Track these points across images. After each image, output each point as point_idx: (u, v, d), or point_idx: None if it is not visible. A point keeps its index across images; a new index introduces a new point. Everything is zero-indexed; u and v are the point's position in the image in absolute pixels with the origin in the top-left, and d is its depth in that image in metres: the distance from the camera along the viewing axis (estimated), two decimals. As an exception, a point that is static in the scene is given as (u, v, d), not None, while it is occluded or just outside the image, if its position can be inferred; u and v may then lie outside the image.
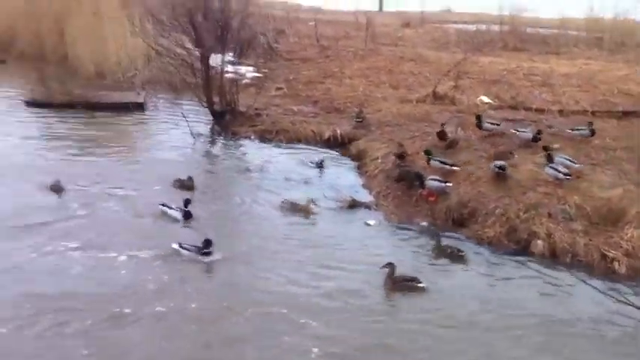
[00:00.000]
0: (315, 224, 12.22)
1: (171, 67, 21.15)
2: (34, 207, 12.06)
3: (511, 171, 13.19)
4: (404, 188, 13.67)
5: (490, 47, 30.71)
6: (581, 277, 10.09)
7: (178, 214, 11.82)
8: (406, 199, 13.43)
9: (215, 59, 20.05)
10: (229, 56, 20.46)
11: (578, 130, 15.53)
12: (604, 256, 10.96)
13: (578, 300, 9.85)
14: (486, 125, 15.94)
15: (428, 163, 14.02)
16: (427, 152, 14.20)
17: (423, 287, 9.91)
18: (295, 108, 20.38)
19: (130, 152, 16.43)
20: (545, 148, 13.73)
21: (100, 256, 10.37)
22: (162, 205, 12.06)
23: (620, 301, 8.34)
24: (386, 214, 12.91)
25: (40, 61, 22.93)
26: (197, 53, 19.61)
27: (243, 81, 22.98)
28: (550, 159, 13.12)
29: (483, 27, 35.89)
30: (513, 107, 19.66)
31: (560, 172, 12.53)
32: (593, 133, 15.24)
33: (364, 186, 14.66)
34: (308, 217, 12.42)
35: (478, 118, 16.29)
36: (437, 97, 20.43)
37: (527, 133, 15.09)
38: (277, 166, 15.62)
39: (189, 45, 20.04)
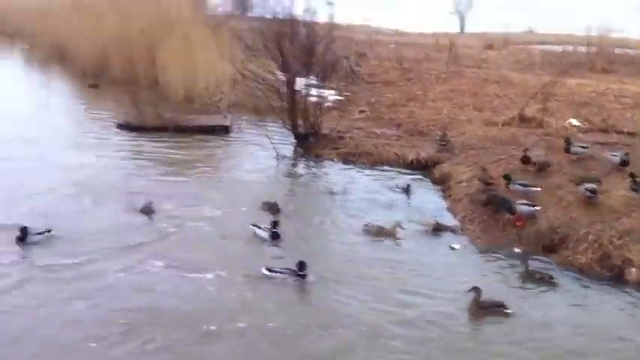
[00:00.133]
0: (399, 247, 12.15)
1: (257, 90, 21.63)
2: (125, 227, 12.48)
3: (603, 196, 12.76)
4: (490, 212, 13.42)
5: (577, 69, 29.94)
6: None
7: (266, 235, 12.02)
8: (492, 223, 13.18)
9: (299, 83, 20.40)
10: (313, 80, 20.76)
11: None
12: None
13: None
14: (575, 149, 15.53)
15: (507, 188, 13.82)
16: (506, 177, 14.08)
17: (510, 313, 9.67)
18: (378, 131, 20.43)
19: (217, 174, 16.85)
20: (632, 175, 13.26)
21: (188, 275, 10.62)
22: (254, 225, 12.27)
23: None
24: (472, 239, 12.71)
25: (132, 85, 23.88)
26: (283, 77, 20.02)
27: (326, 104, 23.21)
28: (636, 184, 12.69)
29: (569, 48, 35.04)
30: (604, 130, 19.10)
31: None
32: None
33: (449, 209, 14.50)
34: (393, 240, 12.36)
35: (567, 141, 15.89)
36: (523, 120, 20.07)
37: (616, 157, 14.61)
38: (360, 189, 15.66)
39: (275, 69, 20.50)
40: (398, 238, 12.41)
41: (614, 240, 11.53)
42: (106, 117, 22.84)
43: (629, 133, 18.43)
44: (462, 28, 62.90)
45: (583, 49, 33.75)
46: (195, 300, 9.84)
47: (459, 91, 25.49)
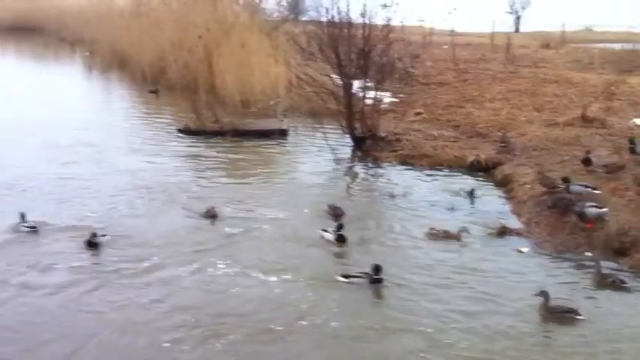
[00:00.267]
0: (465, 251, 12.00)
1: (313, 94, 21.75)
2: (190, 230, 12.70)
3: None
4: (557, 215, 13.17)
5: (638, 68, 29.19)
6: None
7: (332, 238, 12.09)
8: (559, 225, 12.90)
9: (355, 85, 20.41)
10: (368, 82, 20.75)
11: None
12: None
13: None
14: (642, 149, 15.15)
15: (567, 191, 13.55)
16: (565, 179, 13.80)
17: (581, 319, 9.43)
18: (435, 132, 20.27)
19: (277, 177, 17.00)
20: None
21: (254, 277, 10.74)
22: (323, 230, 12.35)
23: None
24: (538, 242, 12.47)
25: (189, 91, 24.29)
26: (339, 81, 20.07)
27: (381, 106, 23.17)
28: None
29: (629, 46, 34.17)
30: (670, 130, 18.55)
31: None
32: None
33: (512, 212, 14.27)
34: (458, 244, 12.26)
35: (632, 142, 15.50)
36: (586, 120, 19.63)
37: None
38: (420, 192, 15.56)
39: (332, 73, 20.58)
40: (463, 242, 12.29)
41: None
42: (166, 122, 23.34)
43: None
44: (517, 28, 61.98)
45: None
46: (261, 301, 9.94)
47: (517, 91, 25.11)
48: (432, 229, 12.67)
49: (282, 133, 21.55)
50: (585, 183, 13.65)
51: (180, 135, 21.35)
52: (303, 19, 35.61)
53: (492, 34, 40.66)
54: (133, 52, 32.71)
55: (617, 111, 20.62)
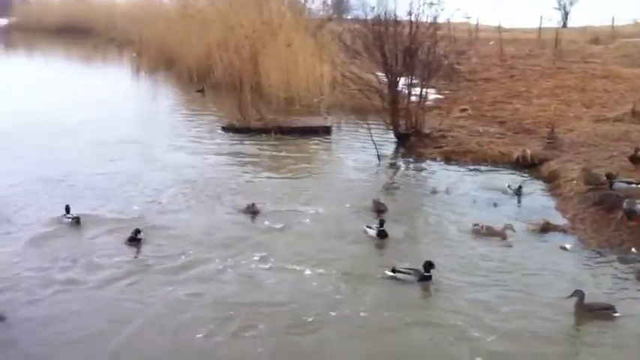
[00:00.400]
0: (509, 248, 11.82)
1: (358, 91, 21.72)
2: (231, 225, 12.82)
3: None
4: (602, 211, 12.87)
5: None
6: None
7: (374, 233, 12.08)
8: (604, 222, 12.61)
9: (400, 82, 20.30)
10: (414, 79, 20.61)
11: None
12: None
13: None
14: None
15: (611, 188, 13.23)
16: (609, 175, 13.50)
17: (618, 316, 9.21)
18: (481, 129, 20.04)
19: (321, 173, 17.04)
20: None
21: (291, 270, 10.80)
22: (367, 226, 12.34)
23: None
24: (583, 238, 12.21)
25: (235, 90, 24.51)
26: (384, 78, 20.00)
27: (426, 103, 23.02)
28: None
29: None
30: None
31: None
32: None
33: (557, 208, 14.01)
34: (502, 240, 12.08)
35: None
36: (636, 116, 19.13)
37: None
38: (465, 188, 15.40)
39: (377, 70, 20.52)
40: (507, 238, 12.11)
41: None
42: (211, 120, 23.62)
43: None
44: (565, 23, 60.70)
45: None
46: (295, 293, 10.01)
47: (565, 87, 24.65)
48: (475, 224, 12.51)
49: (326, 130, 21.59)
50: (630, 179, 13.29)
51: (224, 133, 21.58)
52: (348, 17, 35.64)
53: (540, 30, 39.94)
54: (180, 52, 33.25)
55: (670, 106, 19.99)
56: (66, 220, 12.57)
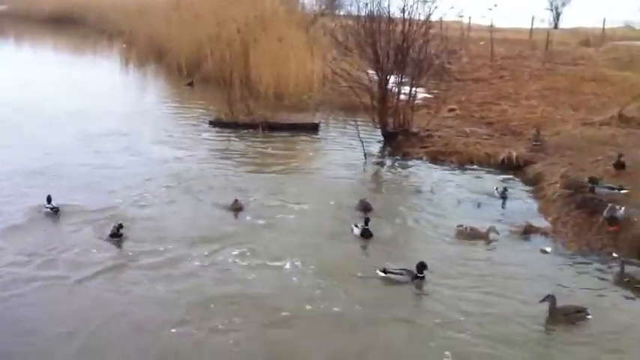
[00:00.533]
0: (490, 249, 11.88)
1: (347, 89, 21.69)
2: (214, 220, 12.78)
3: None
4: (584, 215, 12.93)
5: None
6: None
7: (358, 232, 12.11)
8: (586, 225, 12.68)
9: (390, 81, 20.29)
10: (403, 78, 20.61)
11: None
12: None
13: None
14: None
15: (592, 192, 13.29)
16: (592, 180, 13.56)
17: (591, 318, 9.32)
18: (468, 129, 20.07)
19: (305, 170, 17.04)
20: None
21: (270, 266, 10.81)
22: (354, 225, 12.34)
23: None
24: (564, 242, 12.27)
25: (224, 84, 24.44)
26: (375, 76, 19.98)
27: (415, 102, 23.02)
28: None
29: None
30: None
31: None
32: None
33: (540, 211, 14.07)
34: (485, 242, 12.13)
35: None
36: (623, 120, 19.21)
37: None
38: (449, 189, 15.44)
39: (367, 68, 20.50)
40: (490, 240, 12.15)
41: None
42: (199, 114, 23.53)
43: None
44: (556, 24, 60.89)
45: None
46: (275, 288, 10.03)
47: (554, 89, 24.73)
48: (459, 225, 12.54)
49: (314, 127, 21.58)
50: (611, 185, 13.36)
51: (212, 127, 21.50)
52: (341, 13, 35.58)
53: (531, 31, 40.03)
54: (171, 44, 33.07)
55: (657, 111, 20.10)
56: (45, 210, 12.54)
